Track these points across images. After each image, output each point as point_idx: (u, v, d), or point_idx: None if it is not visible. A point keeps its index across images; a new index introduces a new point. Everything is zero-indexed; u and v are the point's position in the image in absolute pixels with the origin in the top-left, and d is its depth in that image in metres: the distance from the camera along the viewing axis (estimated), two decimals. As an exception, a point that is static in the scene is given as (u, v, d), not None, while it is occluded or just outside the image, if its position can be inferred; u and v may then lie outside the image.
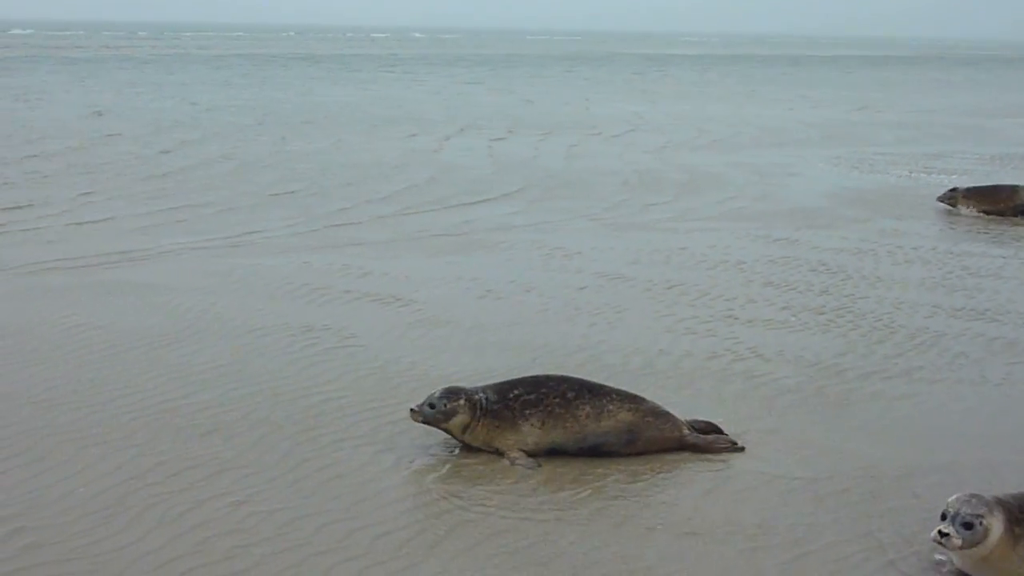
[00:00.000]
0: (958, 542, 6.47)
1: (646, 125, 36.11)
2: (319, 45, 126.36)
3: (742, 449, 8.65)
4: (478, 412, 8.39)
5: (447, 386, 8.63)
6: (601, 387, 8.65)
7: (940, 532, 6.49)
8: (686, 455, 8.54)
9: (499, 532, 7.30)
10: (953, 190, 20.11)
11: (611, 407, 8.45)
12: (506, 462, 8.32)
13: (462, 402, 8.38)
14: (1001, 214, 19.30)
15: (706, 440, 8.67)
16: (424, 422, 8.46)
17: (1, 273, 13.98)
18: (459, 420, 8.40)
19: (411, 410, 8.50)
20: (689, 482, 8.15)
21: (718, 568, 6.93)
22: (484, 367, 10.43)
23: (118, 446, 8.50)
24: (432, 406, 8.41)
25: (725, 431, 8.89)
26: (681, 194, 21.65)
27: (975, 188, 20.10)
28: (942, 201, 20.07)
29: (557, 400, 8.41)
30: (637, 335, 11.77)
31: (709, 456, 8.54)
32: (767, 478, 8.19)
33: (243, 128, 32.15)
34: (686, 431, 8.64)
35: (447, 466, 8.29)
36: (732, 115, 40.71)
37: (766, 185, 23.03)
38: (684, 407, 9.16)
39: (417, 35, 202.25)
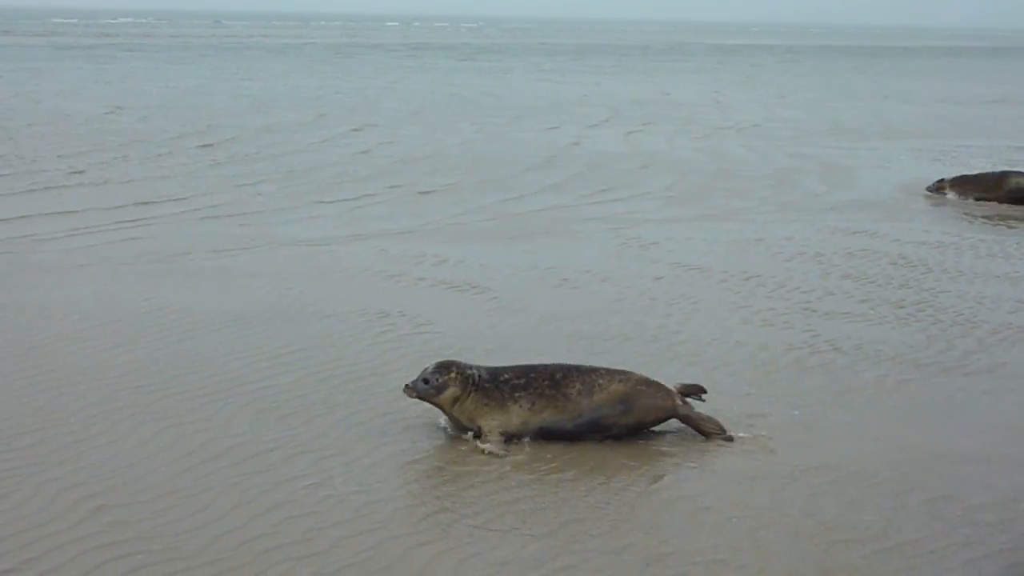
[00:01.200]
0: None
1: (776, 117, 35.56)
2: (396, 34, 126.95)
3: (731, 439, 8.54)
4: (469, 385, 8.39)
5: (440, 360, 8.62)
6: (590, 367, 8.67)
7: None
8: (731, 449, 8.49)
9: (573, 520, 7.30)
10: (940, 181, 20.76)
11: (601, 381, 8.48)
12: (483, 447, 8.29)
13: (453, 374, 8.39)
14: (993, 200, 19.73)
15: (699, 416, 8.64)
16: (419, 398, 8.47)
17: (102, 264, 14.21)
18: (450, 393, 8.39)
19: (405, 386, 8.49)
20: (762, 476, 8.08)
21: (793, 557, 6.89)
22: (558, 356, 10.41)
23: (197, 427, 8.63)
24: (426, 381, 8.42)
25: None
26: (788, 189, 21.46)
27: (960, 177, 20.89)
28: (930, 191, 20.65)
29: (547, 383, 8.44)
30: (713, 326, 11.69)
31: (763, 450, 8.45)
32: (845, 472, 8.09)
33: (398, 120, 31.73)
34: (679, 401, 8.62)
35: (521, 454, 8.30)
36: (863, 110, 39.55)
37: (848, 176, 22.75)
38: (760, 399, 9.08)
39: (476, 24, 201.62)
